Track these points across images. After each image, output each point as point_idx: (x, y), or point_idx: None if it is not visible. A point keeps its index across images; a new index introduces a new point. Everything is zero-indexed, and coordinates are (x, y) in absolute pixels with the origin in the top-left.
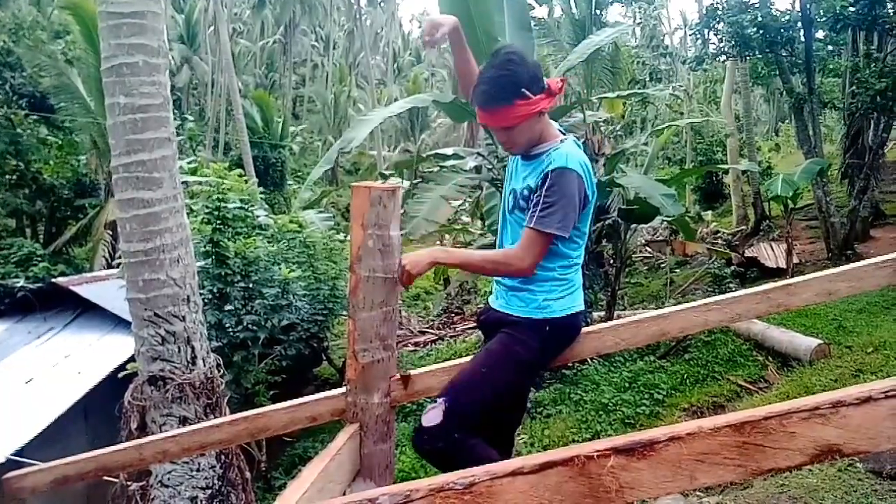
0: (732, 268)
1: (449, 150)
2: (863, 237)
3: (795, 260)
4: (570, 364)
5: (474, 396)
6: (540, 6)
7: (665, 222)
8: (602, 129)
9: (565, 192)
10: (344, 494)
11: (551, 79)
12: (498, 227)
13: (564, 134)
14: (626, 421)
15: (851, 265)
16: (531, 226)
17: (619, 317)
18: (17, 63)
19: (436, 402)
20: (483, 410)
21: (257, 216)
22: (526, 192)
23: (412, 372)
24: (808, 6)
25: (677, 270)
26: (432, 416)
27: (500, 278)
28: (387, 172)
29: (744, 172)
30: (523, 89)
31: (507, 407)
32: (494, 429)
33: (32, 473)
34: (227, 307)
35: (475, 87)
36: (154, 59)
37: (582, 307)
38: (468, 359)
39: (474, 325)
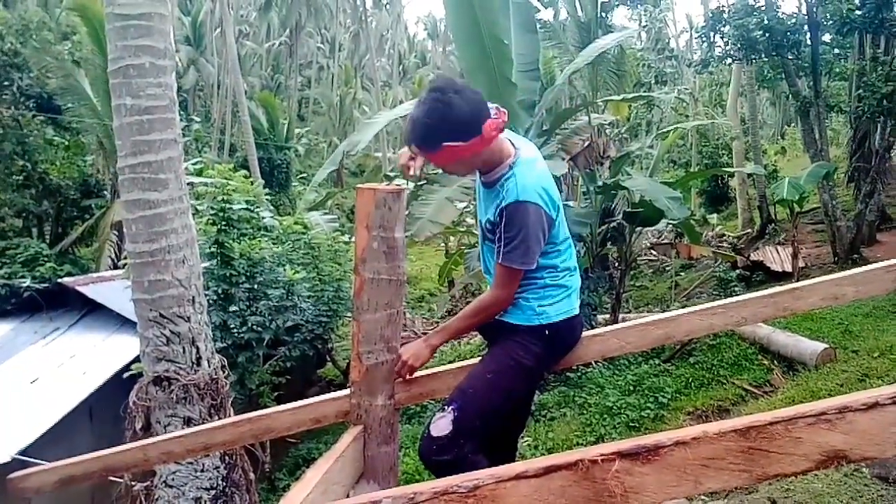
0: (738, 271)
1: None
2: (869, 241)
3: (801, 264)
4: (574, 367)
5: (482, 404)
6: (545, 9)
7: (670, 225)
8: (607, 131)
9: (523, 225)
10: (348, 496)
11: (489, 121)
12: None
13: (516, 146)
14: (631, 424)
15: (858, 269)
16: (499, 261)
17: (623, 320)
18: (25, 64)
19: (444, 409)
20: (491, 418)
21: (262, 217)
22: (489, 226)
23: (416, 375)
24: (814, 9)
25: (682, 274)
26: (442, 425)
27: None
28: (392, 174)
29: (749, 176)
30: (446, 142)
31: (512, 412)
32: (499, 434)
33: (37, 473)
34: (232, 308)
35: (409, 120)
36: (161, 61)
37: (577, 312)
38: (473, 361)
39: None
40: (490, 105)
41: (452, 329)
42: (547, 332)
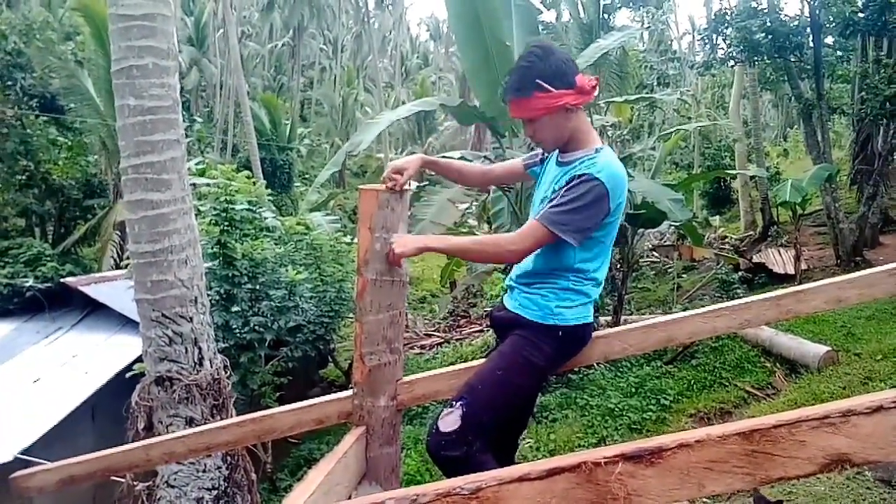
0: (740, 273)
1: (456, 154)
2: (872, 244)
3: (804, 266)
4: (576, 369)
5: (491, 400)
6: (548, 10)
7: (672, 227)
8: (610, 133)
9: (584, 198)
10: (350, 498)
11: (583, 76)
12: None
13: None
14: (633, 426)
15: (862, 272)
16: (537, 218)
17: (625, 321)
18: (28, 64)
19: (452, 405)
20: (499, 414)
21: (265, 218)
22: (550, 194)
23: (418, 376)
24: (817, 12)
25: (684, 276)
26: (450, 420)
27: (513, 277)
28: None
29: (752, 178)
30: (541, 82)
31: (518, 409)
32: (503, 431)
33: (40, 473)
34: (234, 308)
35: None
36: (164, 62)
37: (591, 321)
38: (475, 363)
39: (480, 328)
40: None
41: (451, 243)
42: (560, 334)
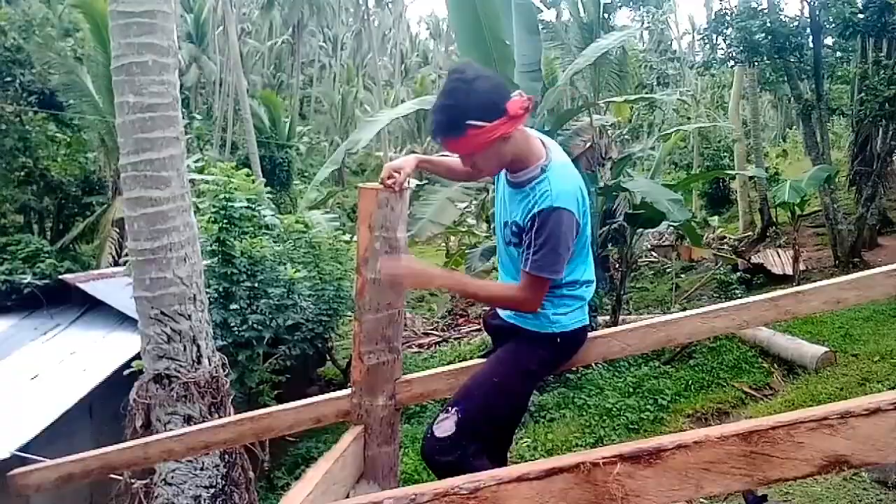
0: (738, 274)
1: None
2: (870, 245)
3: (802, 267)
4: (574, 368)
5: (487, 406)
6: (548, 9)
7: (671, 227)
8: (609, 133)
9: (555, 232)
10: (348, 496)
11: (513, 99)
12: (497, 253)
13: (547, 147)
14: (630, 426)
15: (860, 273)
16: (526, 269)
17: (624, 321)
18: (27, 60)
19: (448, 410)
20: (494, 420)
21: (264, 216)
22: (515, 229)
23: (416, 375)
24: (817, 13)
25: (683, 276)
26: (445, 426)
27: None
28: None
29: (751, 178)
30: (472, 121)
31: (513, 413)
32: (497, 433)
33: (38, 471)
34: (233, 306)
35: (429, 116)
36: (164, 59)
37: (587, 322)
38: (473, 362)
39: (479, 327)
40: (514, 92)
41: (461, 284)
42: (559, 340)
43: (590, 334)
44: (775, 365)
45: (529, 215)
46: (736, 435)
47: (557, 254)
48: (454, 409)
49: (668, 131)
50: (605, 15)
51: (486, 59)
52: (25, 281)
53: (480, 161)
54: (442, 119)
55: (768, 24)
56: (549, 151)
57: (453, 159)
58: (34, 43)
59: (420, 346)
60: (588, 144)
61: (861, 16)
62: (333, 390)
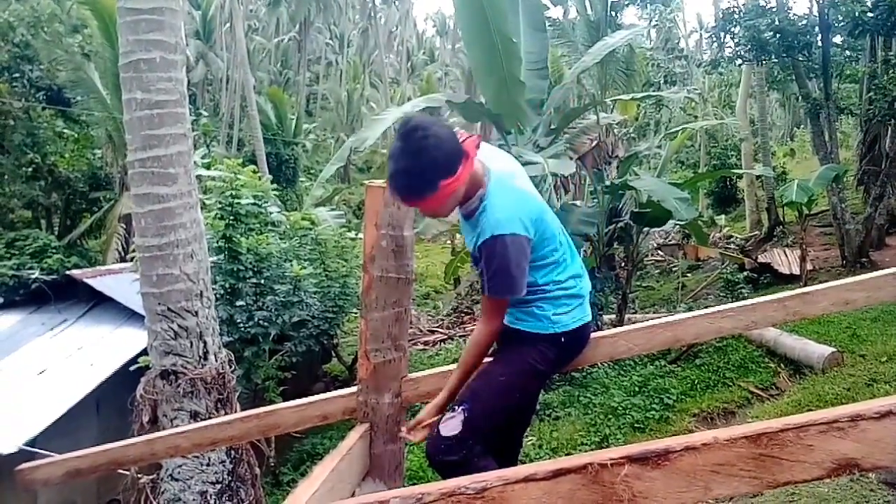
0: (745, 273)
1: None
2: (878, 245)
3: (809, 266)
4: (579, 367)
5: (493, 405)
6: (555, 7)
7: (678, 226)
8: (616, 131)
9: (504, 258)
10: (353, 494)
11: (467, 139)
12: None
13: (485, 168)
14: (636, 425)
15: (869, 274)
16: (485, 294)
17: (630, 320)
18: (35, 56)
19: (454, 409)
20: (500, 419)
21: (270, 212)
22: (474, 256)
23: (423, 373)
24: (826, 11)
25: (689, 275)
26: (451, 425)
27: None
28: None
29: (758, 177)
30: (443, 180)
31: (520, 412)
32: (505, 431)
33: (45, 465)
34: (239, 303)
35: (391, 176)
36: (171, 56)
37: (590, 318)
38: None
39: None
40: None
41: (459, 374)
42: (563, 339)
43: (596, 334)
44: (782, 365)
45: (477, 247)
46: (745, 437)
47: (511, 276)
48: (461, 408)
49: (675, 130)
50: (613, 13)
51: (492, 56)
52: (33, 276)
53: (446, 209)
54: (413, 182)
55: (777, 23)
56: (488, 173)
57: None
58: (42, 39)
59: (425, 343)
60: (595, 142)
61: (871, 14)
62: (339, 387)
